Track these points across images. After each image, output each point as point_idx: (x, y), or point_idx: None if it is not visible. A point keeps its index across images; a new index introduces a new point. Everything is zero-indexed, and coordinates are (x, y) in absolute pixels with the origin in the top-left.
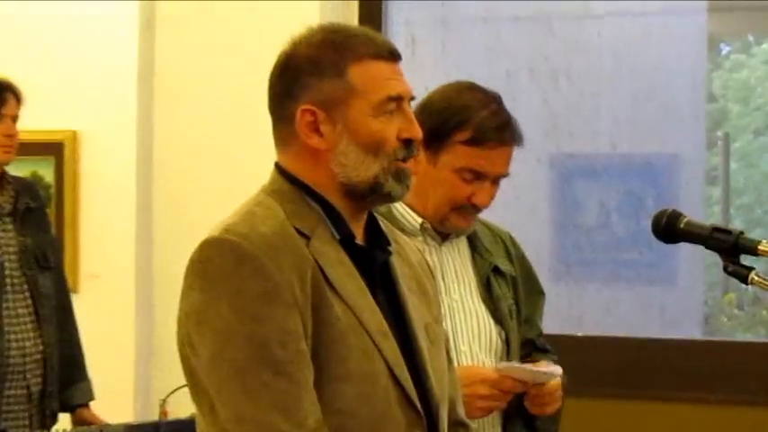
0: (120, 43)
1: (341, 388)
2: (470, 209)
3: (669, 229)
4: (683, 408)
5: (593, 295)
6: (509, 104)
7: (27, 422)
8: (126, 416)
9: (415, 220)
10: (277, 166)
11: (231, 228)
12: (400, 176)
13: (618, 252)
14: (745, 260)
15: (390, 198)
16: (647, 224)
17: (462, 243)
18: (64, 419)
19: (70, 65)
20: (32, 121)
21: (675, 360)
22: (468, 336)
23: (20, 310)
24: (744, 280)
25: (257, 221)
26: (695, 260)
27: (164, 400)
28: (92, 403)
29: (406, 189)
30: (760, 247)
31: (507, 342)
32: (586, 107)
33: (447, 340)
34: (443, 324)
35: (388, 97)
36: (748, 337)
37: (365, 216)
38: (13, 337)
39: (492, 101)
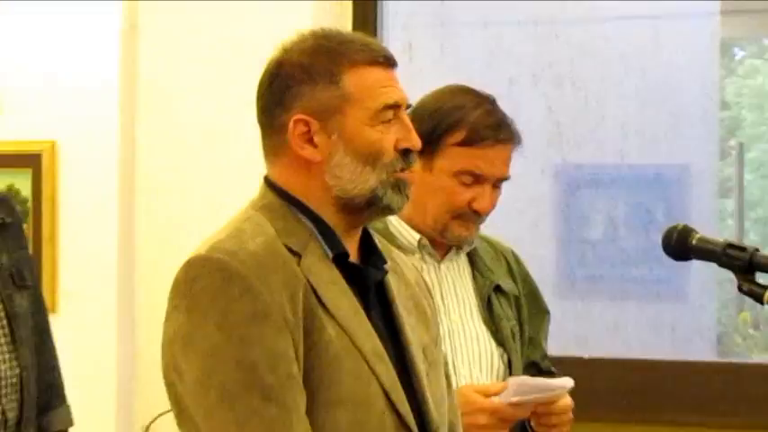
0: (102, 50)
1: (334, 414)
2: (472, 215)
3: (680, 246)
4: None
5: (600, 314)
6: (511, 112)
7: None
8: None
9: (412, 236)
10: (266, 179)
11: (218, 245)
12: (399, 187)
13: (626, 268)
14: (761, 278)
15: (390, 210)
16: (657, 238)
17: (462, 261)
18: None
19: (49, 72)
20: (8, 131)
21: (687, 383)
22: (468, 358)
23: None
24: (759, 299)
25: (245, 238)
26: (708, 276)
27: (147, 427)
28: (71, 430)
29: (406, 199)
30: None
31: (509, 364)
32: (593, 115)
33: (446, 363)
34: (442, 346)
35: (385, 105)
36: (764, 358)
37: (359, 232)
38: None
39: (485, 101)
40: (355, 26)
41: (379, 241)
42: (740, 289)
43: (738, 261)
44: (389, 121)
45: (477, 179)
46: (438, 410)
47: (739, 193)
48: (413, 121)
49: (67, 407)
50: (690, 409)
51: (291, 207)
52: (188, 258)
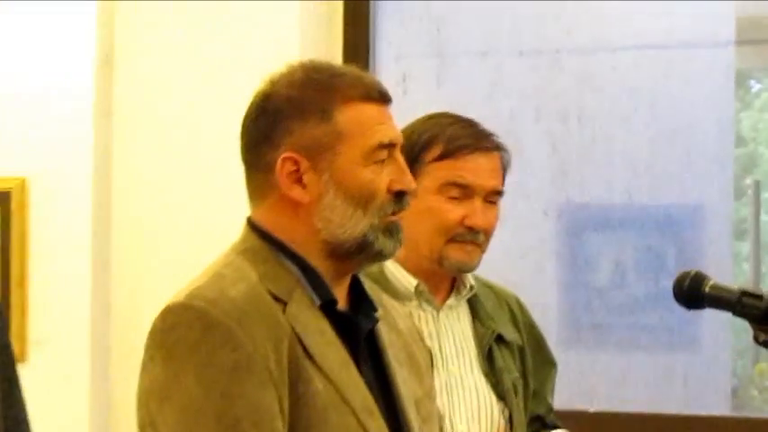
0: (75, 79)
1: None
2: (468, 235)
3: (692, 294)
4: None
5: (607, 364)
6: (512, 148)
7: None
8: None
9: (409, 282)
10: (249, 221)
11: (197, 292)
12: (391, 231)
13: (635, 315)
14: None
15: (381, 256)
16: (668, 284)
17: (462, 308)
18: None
19: (18, 104)
20: None
21: None
22: (466, 414)
23: None
24: None
25: (227, 285)
26: (722, 324)
27: None
28: None
29: (398, 244)
30: None
31: (510, 420)
32: (599, 152)
33: (441, 418)
34: (439, 400)
35: (379, 144)
36: None
37: (349, 278)
38: None
39: (462, 119)
40: (346, 57)
41: (369, 288)
42: (756, 340)
43: (754, 310)
44: (383, 161)
45: (465, 192)
46: None
47: (756, 236)
48: None
49: None
50: None
51: (276, 251)
52: (165, 306)
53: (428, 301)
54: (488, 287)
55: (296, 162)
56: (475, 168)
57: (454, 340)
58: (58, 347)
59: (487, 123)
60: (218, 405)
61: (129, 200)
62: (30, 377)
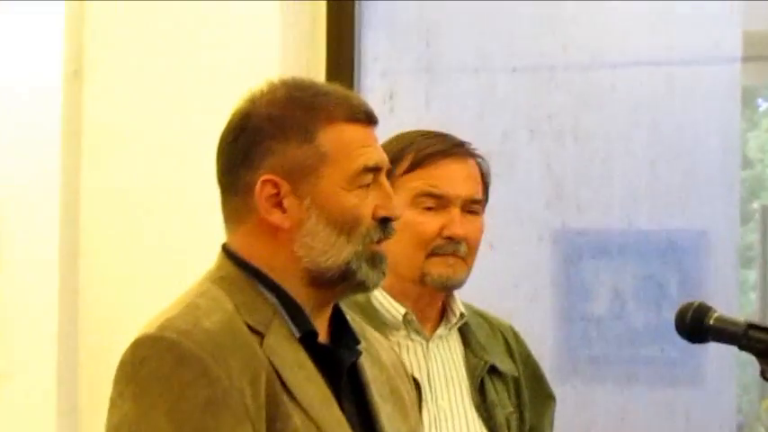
0: (42, 94)
1: None
2: (448, 246)
3: (696, 326)
4: None
5: (605, 399)
6: (505, 170)
7: None
8: None
9: (397, 310)
10: (224, 248)
11: (169, 323)
12: (375, 261)
13: (634, 348)
14: None
15: (363, 287)
16: (669, 314)
17: (453, 338)
18: None
19: None
20: None
21: None
22: None
23: None
24: None
25: (200, 315)
26: (727, 357)
27: None
28: None
29: (382, 276)
30: None
31: None
32: (597, 174)
33: None
34: None
35: (364, 167)
36: None
37: (330, 309)
38: None
39: (433, 131)
40: (330, 73)
41: (351, 319)
42: (763, 375)
43: (761, 344)
44: (368, 185)
45: (440, 202)
46: None
47: (763, 263)
48: None
49: None
50: None
51: (253, 280)
52: (135, 338)
53: (417, 331)
54: (481, 316)
55: (276, 185)
56: (448, 176)
57: (444, 372)
58: (22, 382)
59: (479, 143)
60: None
61: (98, 225)
62: None
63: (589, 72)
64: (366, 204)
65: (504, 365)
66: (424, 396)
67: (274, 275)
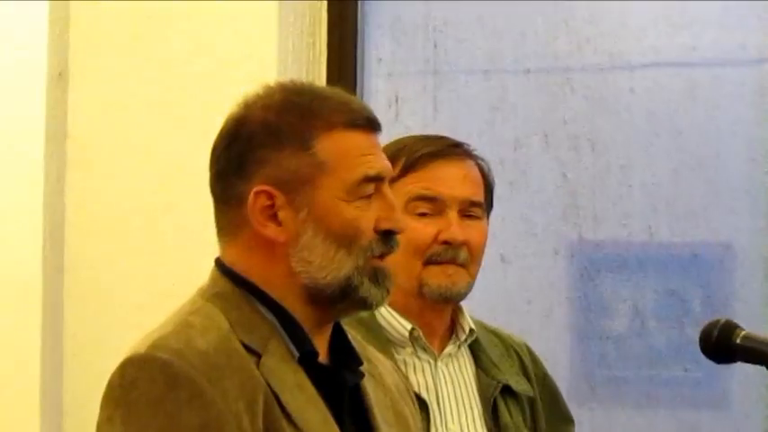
0: (25, 99)
1: None
2: (445, 253)
3: (722, 345)
4: None
5: (625, 423)
6: (517, 179)
7: None
8: None
9: (403, 326)
10: (218, 262)
11: (161, 342)
12: (378, 277)
13: (656, 368)
14: None
15: (366, 304)
16: (693, 332)
17: (464, 357)
18: None
19: None
20: None
21: None
22: None
23: None
24: None
25: (194, 334)
26: (754, 379)
27: None
28: None
29: (386, 293)
30: None
31: None
32: (616, 183)
33: None
34: None
35: (365, 177)
36: None
37: (330, 328)
38: None
39: (428, 135)
40: (330, 76)
41: (353, 338)
42: None
43: None
44: (369, 196)
45: (436, 206)
46: None
47: None
48: None
49: None
50: None
51: (249, 296)
52: (124, 358)
53: (424, 349)
54: (494, 333)
55: (270, 196)
56: (442, 177)
57: (454, 393)
58: (4, 407)
59: (490, 150)
60: None
61: (84, 231)
62: None
63: (607, 74)
64: (367, 216)
65: (519, 385)
66: (432, 419)
67: (271, 292)
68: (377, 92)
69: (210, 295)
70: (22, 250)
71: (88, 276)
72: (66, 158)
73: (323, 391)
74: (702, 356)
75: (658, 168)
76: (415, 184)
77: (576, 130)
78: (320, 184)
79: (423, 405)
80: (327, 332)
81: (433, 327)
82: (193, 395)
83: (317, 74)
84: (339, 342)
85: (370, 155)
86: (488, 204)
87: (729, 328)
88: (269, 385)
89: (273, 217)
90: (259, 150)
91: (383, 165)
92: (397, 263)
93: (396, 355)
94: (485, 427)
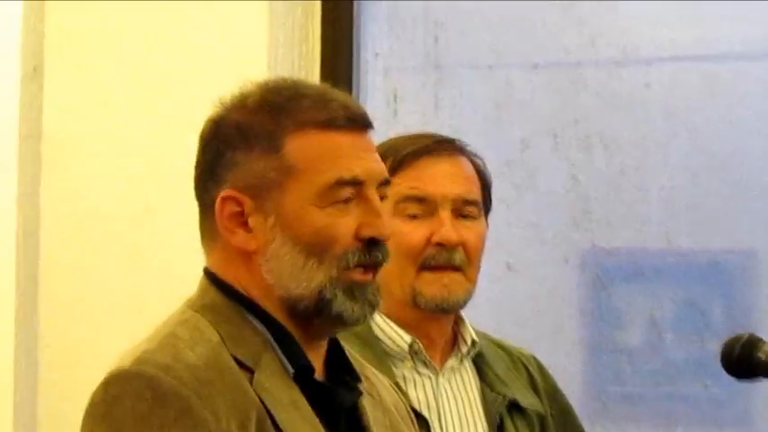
0: None
1: None
2: (439, 256)
3: (744, 361)
4: None
5: None
6: (525, 181)
7: None
8: None
9: (402, 339)
10: (207, 272)
11: (147, 357)
12: (354, 291)
13: (674, 384)
14: None
15: (342, 320)
16: (714, 347)
17: (468, 371)
18: None
19: None
20: None
21: None
22: None
23: None
24: None
25: (183, 348)
26: None
27: None
28: None
29: (369, 309)
30: None
31: None
32: (630, 186)
33: None
34: None
35: (337, 181)
36: None
37: (325, 342)
38: None
39: (418, 133)
40: (324, 71)
41: (350, 354)
42: None
43: None
44: (347, 201)
45: (426, 207)
46: None
47: None
48: None
49: None
50: None
51: (240, 308)
52: (108, 374)
53: (425, 363)
54: (499, 346)
55: (239, 202)
56: (431, 175)
57: (457, 410)
58: None
59: (495, 150)
60: None
61: (60, 242)
62: None
63: (620, 69)
64: (342, 223)
65: (527, 401)
66: None
67: (261, 302)
68: (374, 89)
69: (199, 306)
70: None
71: (64, 284)
72: (42, 158)
73: (318, 410)
74: (723, 373)
75: (676, 170)
76: (403, 184)
77: (587, 129)
78: (289, 187)
79: (423, 423)
80: (322, 348)
81: (433, 338)
82: (182, 412)
83: (309, 69)
84: (336, 358)
85: (349, 156)
86: (486, 203)
87: (753, 344)
88: (262, 402)
89: (244, 224)
90: (229, 153)
91: (365, 167)
92: (389, 270)
93: (394, 369)
94: None
